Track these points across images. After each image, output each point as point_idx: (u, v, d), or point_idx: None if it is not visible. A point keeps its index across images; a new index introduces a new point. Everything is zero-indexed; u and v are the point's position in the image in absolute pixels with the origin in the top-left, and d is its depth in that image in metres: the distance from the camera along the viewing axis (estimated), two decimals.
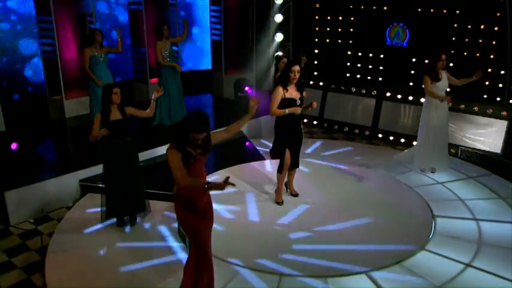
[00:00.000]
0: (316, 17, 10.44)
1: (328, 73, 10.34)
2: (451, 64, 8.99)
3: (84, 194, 6.55)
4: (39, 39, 8.69)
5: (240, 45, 10.57)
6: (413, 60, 9.17)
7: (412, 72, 9.06)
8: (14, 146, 7.22)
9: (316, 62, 10.63)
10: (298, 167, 6.26)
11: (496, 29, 8.38)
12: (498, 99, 8.34)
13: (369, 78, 9.99)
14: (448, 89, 6.96)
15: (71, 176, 6.58)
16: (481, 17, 8.49)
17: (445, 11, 8.88)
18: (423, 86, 6.81)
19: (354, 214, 5.96)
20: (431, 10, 9.02)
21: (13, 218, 5.97)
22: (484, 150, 7.70)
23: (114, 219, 5.74)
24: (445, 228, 5.61)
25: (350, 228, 5.67)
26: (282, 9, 10.41)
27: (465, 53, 8.83)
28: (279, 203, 6.14)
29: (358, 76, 10.08)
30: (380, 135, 9.00)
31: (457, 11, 8.75)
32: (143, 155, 6.98)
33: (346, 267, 4.91)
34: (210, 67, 11.07)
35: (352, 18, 10.06)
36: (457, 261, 4.97)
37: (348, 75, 10.24)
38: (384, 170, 7.33)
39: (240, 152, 8.12)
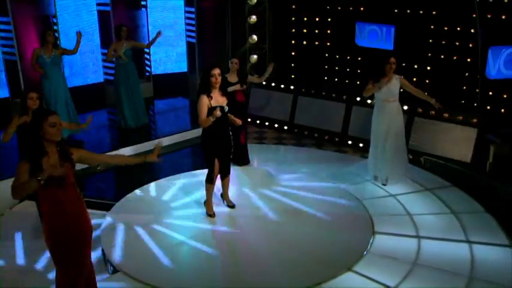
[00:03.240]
0: (293, 18, 10.09)
1: (304, 76, 9.98)
2: (428, 68, 8.58)
3: (22, 201, 6.34)
4: None
5: (215, 47, 10.26)
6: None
7: None
8: None
9: (292, 65, 10.31)
10: (229, 173, 5.85)
11: (472, 31, 7.91)
12: (475, 104, 7.92)
13: (347, 81, 9.61)
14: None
15: (9, 181, 6.39)
16: (458, 18, 8.03)
17: (421, 12, 8.45)
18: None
19: (288, 229, 5.57)
20: (408, 11, 8.60)
21: None
22: (450, 160, 7.18)
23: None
24: (382, 247, 5.17)
25: (280, 244, 5.28)
26: (258, 9, 10.09)
27: (442, 56, 8.39)
28: (211, 215, 5.77)
29: (336, 80, 9.71)
30: (350, 142, 8.56)
31: (434, 12, 8.32)
32: None
33: None
34: (185, 70, 10.83)
35: (329, 20, 9.69)
36: (383, 284, 4.56)
37: (325, 78, 9.90)
38: (338, 180, 6.83)
39: (189, 160, 7.82)
